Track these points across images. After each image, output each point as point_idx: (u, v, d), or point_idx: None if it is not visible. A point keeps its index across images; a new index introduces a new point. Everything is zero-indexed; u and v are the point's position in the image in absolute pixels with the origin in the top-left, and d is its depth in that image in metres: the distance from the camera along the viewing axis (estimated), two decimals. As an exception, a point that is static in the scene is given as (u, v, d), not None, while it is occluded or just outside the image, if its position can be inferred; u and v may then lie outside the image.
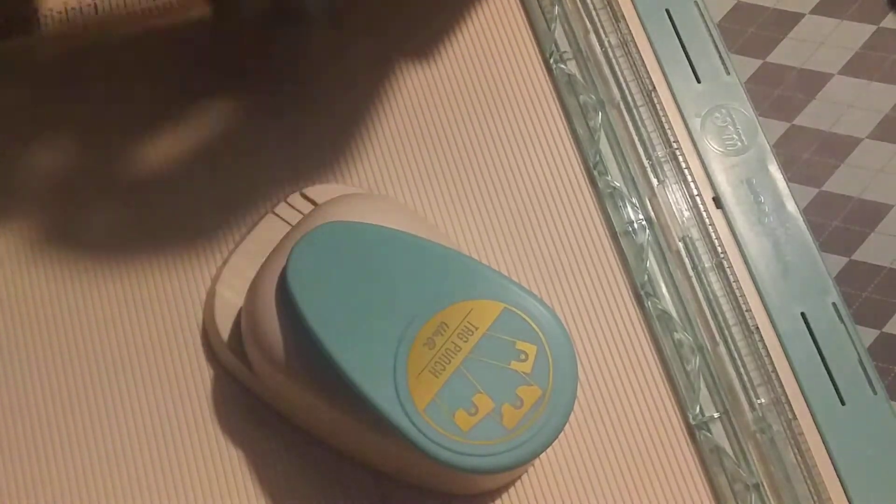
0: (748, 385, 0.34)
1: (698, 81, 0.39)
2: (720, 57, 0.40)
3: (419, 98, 0.39)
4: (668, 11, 0.40)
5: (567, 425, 0.32)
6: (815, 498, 0.33)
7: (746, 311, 0.35)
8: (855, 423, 0.34)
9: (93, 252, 0.37)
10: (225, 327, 0.34)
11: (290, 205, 0.35)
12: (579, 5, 0.40)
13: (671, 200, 0.37)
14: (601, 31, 0.40)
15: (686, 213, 0.37)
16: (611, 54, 0.39)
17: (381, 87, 0.40)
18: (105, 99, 0.39)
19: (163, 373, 0.35)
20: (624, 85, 0.39)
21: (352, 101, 0.39)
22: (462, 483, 0.33)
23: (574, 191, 0.38)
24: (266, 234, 0.35)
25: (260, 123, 0.39)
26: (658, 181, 0.37)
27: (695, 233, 0.37)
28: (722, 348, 0.35)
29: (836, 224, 0.81)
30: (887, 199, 0.82)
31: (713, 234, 0.36)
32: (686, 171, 0.37)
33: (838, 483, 0.33)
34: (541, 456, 0.32)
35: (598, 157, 0.38)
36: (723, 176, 0.38)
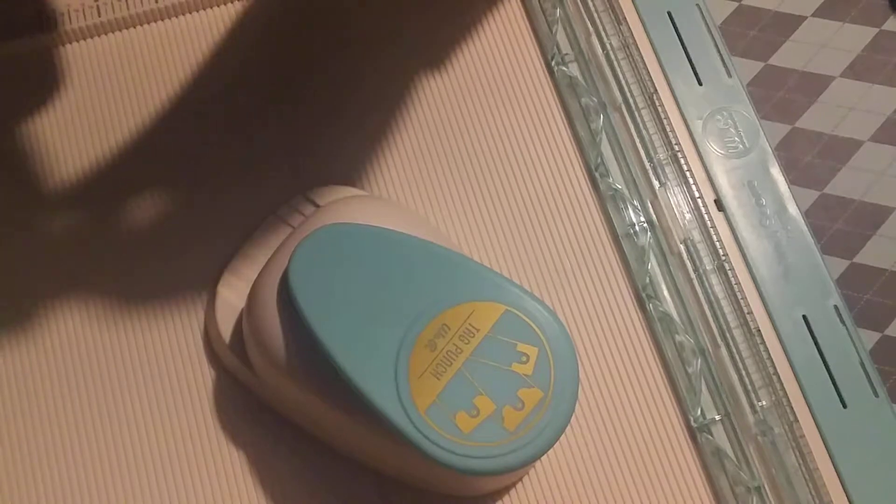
0: (749, 387, 0.34)
1: (700, 84, 0.39)
2: (722, 59, 0.40)
3: (420, 100, 0.39)
4: (669, 14, 0.40)
5: (568, 427, 0.32)
6: (817, 500, 0.33)
7: (748, 313, 0.35)
8: (856, 426, 0.34)
9: (94, 252, 0.37)
10: (226, 329, 0.34)
11: (292, 207, 0.35)
12: (581, 8, 0.40)
13: (673, 203, 0.37)
14: (603, 33, 0.40)
15: (688, 216, 0.37)
16: (612, 57, 0.39)
17: (382, 91, 0.40)
18: (107, 100, 0.39)
19: (164, 374, 0.35)
20: (625, 87, 0.39)
21: (354, 105, 0.39)
22: (463, 485, 0.33)
23: (575, 193, 0.38)
24: (268, 235, 0.35)
25: (263, 126, 0.39)
26: (660, 183, 0.37)
27: (696, 235, 0.37)
28: (723, 351, 0.35)
29: (838, 227, 0.81)
30: (889, 202, 0.82)
31: (714, 237, 0.36)
32: (688, 174, 0.38)
33: (840, 486, 0.33)
34: (542, 458, 0.32)
35: (599, 160, 0.38)
36: (724, 178, 0.38)
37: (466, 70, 0.40)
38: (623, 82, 0.39)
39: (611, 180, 0.38)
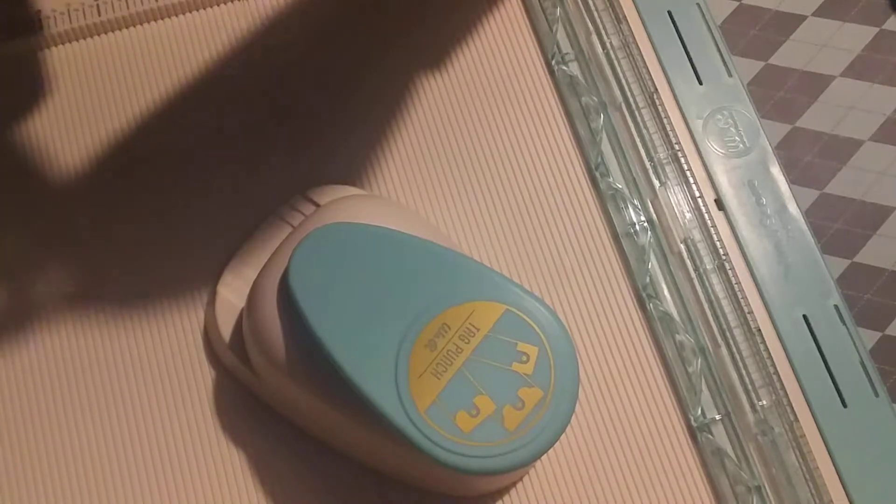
0: (750, 387, 0.34)
1: (700, 83, 0.39)
2: (722, 59, 0.40)
3: (421, 100, 0.39)
4: (670, 13, 0.40)
5: (568, 427, 0.32)
6: (817, 500, 0.33)
7: (748, 312, 0.35)
8: (856, 426, 0.34)
9: (94, 254, 0.37)
10: (226, 328, 0.34)
11: (292, 206, 0.35)
12: (581, 7, 0.40)
13: (673, 202, 0.37)
14: (603, 32, 0.40)
15: (688, 215, 0.37)
16: (613, 56, 0.39)
17: (382, 90, 0.40)
18: (107, 100, 0.39)
19: (164, 373, 0.35)
20: (626, 86, 0.39)
21: (354, 105, 0.39)
22: (463, 484, 0.33)
23: (576, 192, 0.38)
24: (268, 235, 0.35)
25: (263, 125, 0.39)
26: (660, 183, 0.37)
27: (696, 234, 0.37)
28: (723, 350, 0.35)
29: (838, 226, 0.81)
30: (889, 202, 0.82)
31: (715, 236, 0.36)
32: (688, 173, 0.37)
33: (840, 485, 0.33)
34: (542, 458, 0.32)
35: (599, 159, 0.38)
36: (724, 178, 0.38)
37: (466, 70, 0.40)
38: (623, 82, 0.39)
39: (611, 180, 0.38)
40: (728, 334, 0.35)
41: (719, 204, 0.38)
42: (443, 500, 0.33)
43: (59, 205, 0.37)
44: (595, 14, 0.40)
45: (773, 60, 0.87)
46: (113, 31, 0.40)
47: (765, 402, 0.34)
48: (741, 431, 0.34)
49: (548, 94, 0.40)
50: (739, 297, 0.36)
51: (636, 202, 0.37)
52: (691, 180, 0.37)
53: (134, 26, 0.40)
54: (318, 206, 0.35)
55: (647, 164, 0.38)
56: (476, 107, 0.39)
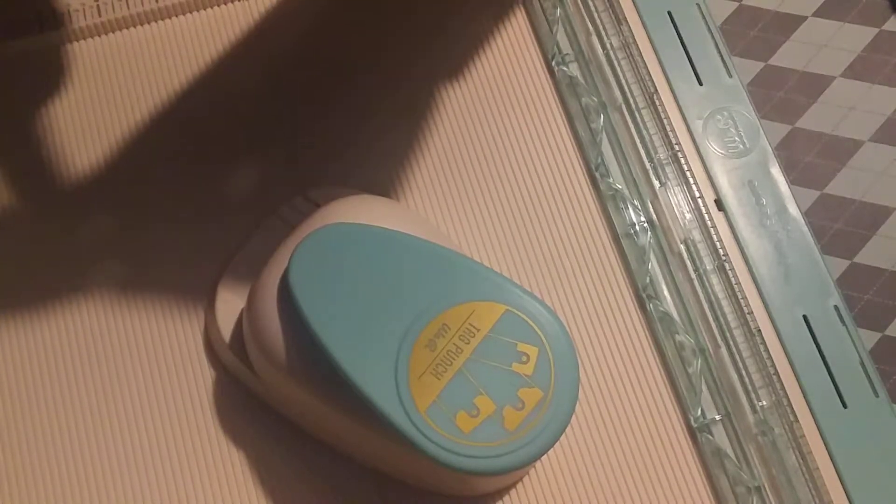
0: (750, 387, 0.34)
1: (700, 84, 0.39)
2: (722, 59, 0.40)
3: (421, 101, 0.39)
4: (670, 14, 0.40)
5: (568, 427, 0.32)
6: (817, 500, 0.33)
7: (748, 313, 0.35)
8: (856, 426, 0.34)
9: (94, 252, 0.37)
10: (227, 329, 0.34)
11: (292, 207, 0.35)
12: (581, 7, 0.40)
13: (673, 203, 0.37)
14: (603, 33, 0.40)
15: (688, 216, 0.37)
16: (613, 56, 0.39)
17: (381, 92, 0.40)
18: (106, 100, 0.39)
19: (164, 374, 0.35)
20: (626, 87, 0.39)
21: (354, 106, 0.39)
22: (463, 485, 0.33)
23: (576, 193, 0.38)
24: (268, 235, 0.35)
25: (263, 126, 0.39)
26: (660, 183, 0.37)
27: (696, 235, 0.37)
28: (723, 350, 0.35)
29: (838, 227, 0.81)
30: (889, 202, 0.82)
31: (715, 237, 0.36)
32: (688, 174, 0.37)
33: (840, 486, 0.33)
34: (542, 458, 0.32)
35: (599, 160, 0.38)
36: (724, 178, 0.38)
37: (467, 70, 0.40)
38: (623, 82, 0.39)
39: (611, 180, 0.38)
40: (728, 335, 0.35)
41: (719, 204, 0.38)
42: (443, 500, 0.33)
43: (57, 205, 0.37)
44: (595, 15, 0.40)
45: (773, 61, 0.87)
46: (113, 32, 0.40)
47: (765, 403, 0.34)
48: (741, 432, 0.34)
49: (548, 94, 0.40)
50: (739, 297, 0.36)
51: (636, 203, 0.37)
52: (691, 181, 0.37)
53: (134, 26, 0.40)
54: (318, 206, 0.35)
55: (647, 164, 0.38)
56: (476, 107, 0.39)
